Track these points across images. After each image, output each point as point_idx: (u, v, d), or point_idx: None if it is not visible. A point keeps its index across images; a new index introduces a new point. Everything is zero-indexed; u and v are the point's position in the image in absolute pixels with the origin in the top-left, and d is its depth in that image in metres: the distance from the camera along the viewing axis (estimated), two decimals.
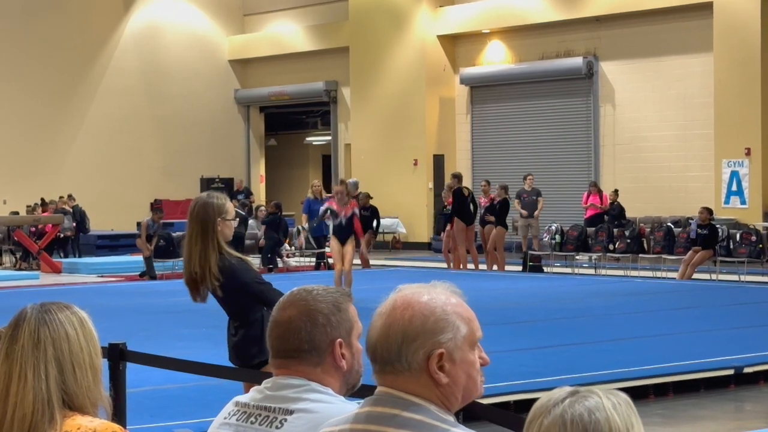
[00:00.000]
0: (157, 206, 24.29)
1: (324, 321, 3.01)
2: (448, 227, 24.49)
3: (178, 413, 9.16)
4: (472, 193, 24.74)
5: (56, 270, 25.57)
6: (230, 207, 6.96)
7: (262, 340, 6.72)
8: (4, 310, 3.17)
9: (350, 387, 3.10)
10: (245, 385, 6.89)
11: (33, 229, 27.94)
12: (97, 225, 31.00)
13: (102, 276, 24.39)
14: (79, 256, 28.72)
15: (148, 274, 23.67)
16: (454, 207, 24.16)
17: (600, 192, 27.08)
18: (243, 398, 3.12)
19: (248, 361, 6.95)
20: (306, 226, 25.35)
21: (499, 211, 24.21)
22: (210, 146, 38.03)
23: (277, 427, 2.97)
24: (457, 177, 24.63)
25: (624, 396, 2.23)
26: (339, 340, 3.01)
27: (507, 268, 24.30)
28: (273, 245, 24.65)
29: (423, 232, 32.06)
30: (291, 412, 2.97)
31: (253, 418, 3.03)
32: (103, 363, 2.97)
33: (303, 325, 3.00)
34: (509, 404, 9.86)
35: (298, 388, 3.00)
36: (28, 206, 30.98)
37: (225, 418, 3.10)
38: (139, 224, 23.97)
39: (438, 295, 2.64)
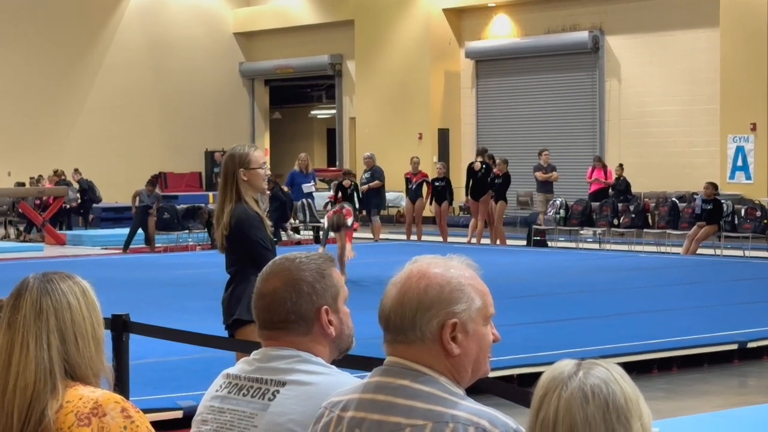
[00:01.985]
0: (152, 179, 24.22)
1: (309, 289, 2.98)
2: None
3: (181, 385, 9.17)
4: (485, 166, 24.52)
5: (60, 242, 25.59)
6: (255, 156, 6.73)
7: (243, 301, 6.60)
8: (8, 281, 3.16)
9: (342, 351, 3.07)
10: (237, 356, 6.85)
11: (38, 201, 27.95)
12: (103, 198, 31.00)
13: (106, 248, 24.40)
14: (87, 228, 28.76)
15: (126, 245, 23.49)
16: (467, 183, 24.56)
17: (604, 167, 27.02)
18: (233, 370, 3.08)
19: (228, 318, 6.83)
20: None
21: (499, 185, 24.18)
22: (214, 119, 37.98)
23: (269, 399, 2.94)
24: (479, 152, 24.80)
25: (620, 368, 2.26)
26: (325, 307, 2.99)
27: (515, 243, 24.31)
28: (275, 220, 24.57)
29: (427, 206, 32.03)
30: (283, 384, 2.94)
31: (245, 391, 2.99)
32: (105, 334, 2.96)
33: (288, 295, 2.97)
34: (513, 378, 9.87)
35: (289, 359, 2.97)
36: (31, 178, 30.98)
37: (216, 391, 3.06)
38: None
39: (454, 266, 2.64)
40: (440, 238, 25.06)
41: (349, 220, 16.17)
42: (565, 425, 2.16)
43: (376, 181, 25.61)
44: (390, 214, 31.81)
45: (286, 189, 25.40)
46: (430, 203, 25.67)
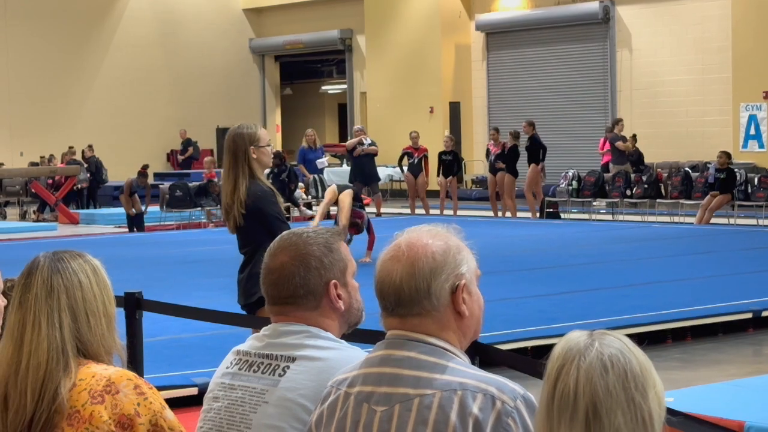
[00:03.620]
0: (142, 171, 24.15)
1: (317, 264, 2.98)
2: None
3: (196, 362, 9.20)
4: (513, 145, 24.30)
5: (74, 221, 25.63)
6: (263, 134, 6.90)
7: None
8: (22, 261, 3.16)
9: (352, 325, 3.07)
10: (254, 332, 6.87)
11: (50, 180, 27.99)
12: (114, 176, 31.05)
13: (119, 227, 24.44)
14: (96, 207, 28.81)
15: (129, 229, 23.39)
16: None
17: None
18: (243, 347, 3.08)
19: (249, 297, 6.90)
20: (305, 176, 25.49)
21: (509, 158, 24.06)
22: (225, 96, 37.97)
23: (279, 375, 2.94)
24: (513, 134, 24.35)
25: (627, 337, 2.27)
26: (333, 281, 2.98)
27: (526, 214, 24.27)
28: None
29: (434, 179, 31.99)
30: (293, 359, 2.94)
31: (255, 367, 2.99)
32: (117, 312, 2.96)
33: (296, 270, 2.97)
34: (527, 350, 9.87)
35: (299, 334, 2.97)
36: (42, 157, 31.02)
37: (227, 368, 3.07)
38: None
39: (443, 232, 2.68)
40: (450, 212, 24.98)
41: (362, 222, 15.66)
42: (587, 396, 2.16)
43: (373, 147, 24.99)
44: (402, 189, 31.80)
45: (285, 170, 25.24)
46: (426, 175, 25.54)
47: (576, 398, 2.17)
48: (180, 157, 35.57)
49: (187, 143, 35.46)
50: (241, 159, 6.80)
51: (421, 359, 2.57)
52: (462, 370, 2.54)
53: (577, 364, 2.18)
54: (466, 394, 2.49)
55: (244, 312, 7.06)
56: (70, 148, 30.03)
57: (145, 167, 25.01)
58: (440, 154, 25.44)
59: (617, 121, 25.85)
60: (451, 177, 25.23)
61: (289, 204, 24.22)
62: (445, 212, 25.19)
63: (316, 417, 2.72)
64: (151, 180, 24.07)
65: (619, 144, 25.15)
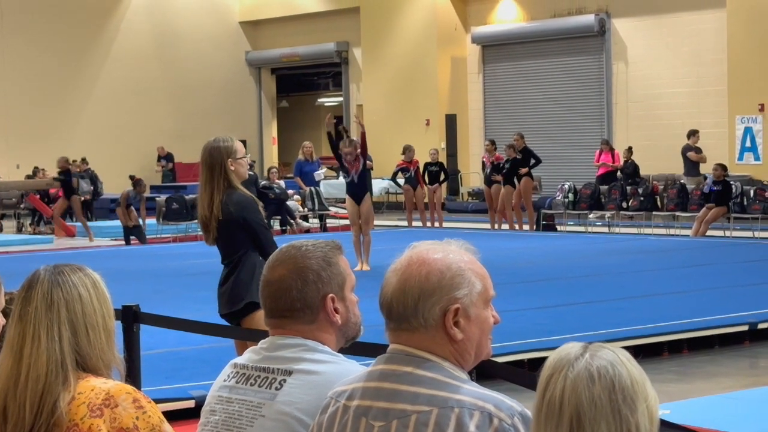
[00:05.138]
0: (136, 180, 24.14)
1: (314, 277, 2.99)
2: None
3: (194, 374, 9.19)
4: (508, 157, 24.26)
5: (70, 234, 25.62)
6: (239, 146, 7.08)
7: (252, 284, 6.77)
8: (19, 274, 3.18)
9: (349, 339, 3.08)
10: (237, 345, 6.90)
11: (39, 194, 27.91)
12: (110, 188, 31.04)
13: (116, 239, 24.43)
14: (95, 219, 28.78)
15: (126, 241, 23.33)
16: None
17: (612, 150, 26.97)
18: (240, 360, 3.09)
19: (235, 304, 6.95)
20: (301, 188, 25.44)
21: (510, 170, 24.05)
22: (222, 108, 37.98)
23: (276, 388, 2.95)
24: (510, 147, 24.32)
25: (626, 352, 2.27)
26: (331, 295, 2.99)
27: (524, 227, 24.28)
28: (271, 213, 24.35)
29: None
30: (290, 373, 2.95)
31: (252, 380, 3.00)
32: (116, 325, 2.98)
33: (294, 283, 2.98)
34: (523, 362, 9.87)
35: (296, 348, 2.98)
36: (35, 168, 30.92)
37: (224, 381, 3.07)
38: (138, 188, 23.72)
39: (453, 251, 2.64)
40: (452, 224, 24.99)
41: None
42: (571, 405, 2.18)
43: (369, 163, 25.00)
44: (399, 201, 31.81)
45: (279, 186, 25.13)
46: (422, 188, 25.68)
47: (561, 407, 2.19)
48: (158, 170, 35.53)
49: (167, 158, 35.45)
50: (218, 172, 6.96)
51: (420, 375, 2.57)
52: (460, 387, 2.54)
53: (565, 374, 2.20)
54: (464, 411, 2.49)
55: (226, 322, 7.10)
56: (74, 161, 30.06)
57: (132, 177, 25.00)
58: (426, 164, 25.61)
59: (694, 132, 25.40)
60: (437, 185, 25.43)
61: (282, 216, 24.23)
62: (429, 224, 25.32)
63: (315, 427, 2.73)
64: (147, 192, 24.01)
65: (691, 154, 24.82)
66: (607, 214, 24.04)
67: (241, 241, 7.01)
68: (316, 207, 25.65)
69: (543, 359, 2.32)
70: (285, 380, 2.95)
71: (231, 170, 6.94)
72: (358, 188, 16.50)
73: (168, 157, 35.42)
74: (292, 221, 24.84)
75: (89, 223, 27.16)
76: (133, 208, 23.27)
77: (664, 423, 2.26)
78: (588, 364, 2.19)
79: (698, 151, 24.88)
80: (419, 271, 2.59)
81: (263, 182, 24.87)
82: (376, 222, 25.34)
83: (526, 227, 24.00)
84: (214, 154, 7.00)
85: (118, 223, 24.10)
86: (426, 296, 2.57)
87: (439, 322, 2.58)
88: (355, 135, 25.36)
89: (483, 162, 25.28)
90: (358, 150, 16.25)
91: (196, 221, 24.22)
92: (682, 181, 24.54)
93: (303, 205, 25.79)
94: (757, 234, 21.34)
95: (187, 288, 15.32)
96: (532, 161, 23.78)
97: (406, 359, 2.60)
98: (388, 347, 2.66)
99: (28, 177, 30.47)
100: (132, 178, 24.77)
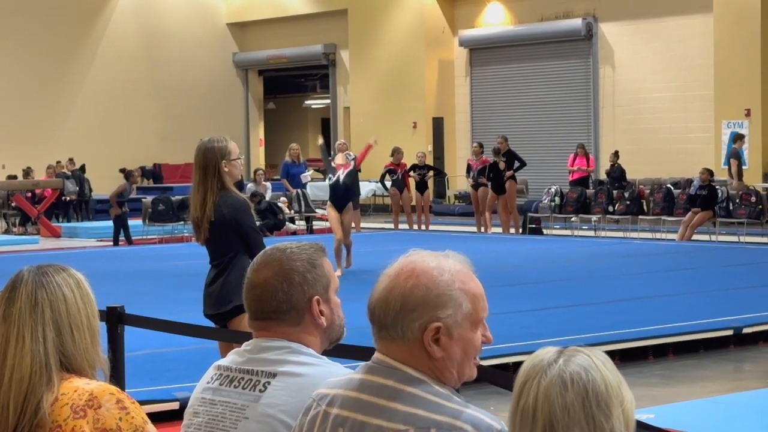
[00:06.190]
0: (128, 172, 24.12)
1: (300, 279, 2.97)
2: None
3: (178, 376, 9.18)
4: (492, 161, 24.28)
5: (56, 234, 25.56)
6: (233, 147, 7.02)
7: (241, 287, 6.72)
8: (3, 274, 3.16)
9: (333, 341, 3.07)
10: (221, 346, 6.89)
11: (29, 194, 27.85)
12: (96, 189, 30.99)
13: (102, 240, 24.38)
14: (81, 220, 28.74)
15: (115, 239, 23.26)
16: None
17: (587, 155, 26.96)
18: (224, 362, 3.08)
19: (223, 306, 6.94)
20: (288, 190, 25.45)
21: (492, 176, 24.03)
22: (209, 110, 37.93)
23: (260, 391, 2.94)
24: (495, 151, 24.30)
25: (604, 354, 2.24)
26: (316, 297, 2.98)
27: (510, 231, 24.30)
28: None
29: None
30: (274, 375, 2.94)
31: (236, 382, 2.99)
32: (100, 326, 2.97)
33: (279, 285, 2.97)
34: (509, 366, 9.88)
35: (280, 350, 2.97)
36: (24, 170, 30.89)
37: (208, 383, 3.06)
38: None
39: (447, 267, 2.53)
40: (440, 228, 25.01)
41: None
42: (544, 413, 2.16)
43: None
44: (386, 203, 31.81)
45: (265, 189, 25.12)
46: (408, 191, 25.77)
47: (535, 415, 2.17)
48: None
49: (144, 176, 35.57)
50: (211, 173, 6.91)
51: (399, 390, 2.49)
52: (439, 405, 2.46)
53: (538, 381, 2.18)
54: None
55: (210, 322, 7.09)
56: (58, 162, 30.00)
57: (123, 169, 25.00)
58: (413, 166, 25.65)
59: (741, 137, 25.14)
60: (426, 190, 25.46)
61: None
62: (416, 227, 25.33)
63: (297, 428, 2.71)
64: (134, 195, 24.01)
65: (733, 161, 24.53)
66: (594, 218, 24.07)
67: (232, 243, 6.99)
68: (303, 209, 25.63)
69: None
70: (269, 382, 2.94)
71: (225, 171, 6.91)
72: (343, 193, 15.95)
73: (146, 174, 35.72)
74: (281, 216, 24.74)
75: (76, 224, 27.16)
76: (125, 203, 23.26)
77: (640, 425, 2.24)
78: (561, 371, 2.17)
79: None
80: (405, 283, 2.50)
81: (248, 183, 24.90)
82: (363, 225, 25.47)
83: (512, 231, 24.03)
84: (208, 155, 6.94)
85: (103, 224, 24.08)
86: (407, 310, 2.49)
87: (417, 337, 2.49)
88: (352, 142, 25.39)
89: (468, 164, 25.28)
90: (351, 166, 16.08)
91: (182, 222, 24.25)
92: (668, 185, 24.58)
93: (290, 207, 25.77)
94: (742, 238, 21.39)
95: (172, 289, 15.29)
96: (517, 164, 23.82)
97: (387, 371, 2.53)
98: (374, 354, 2.61)
99: (10, 177, 30.32)
100: (123, 170, 24.76)
